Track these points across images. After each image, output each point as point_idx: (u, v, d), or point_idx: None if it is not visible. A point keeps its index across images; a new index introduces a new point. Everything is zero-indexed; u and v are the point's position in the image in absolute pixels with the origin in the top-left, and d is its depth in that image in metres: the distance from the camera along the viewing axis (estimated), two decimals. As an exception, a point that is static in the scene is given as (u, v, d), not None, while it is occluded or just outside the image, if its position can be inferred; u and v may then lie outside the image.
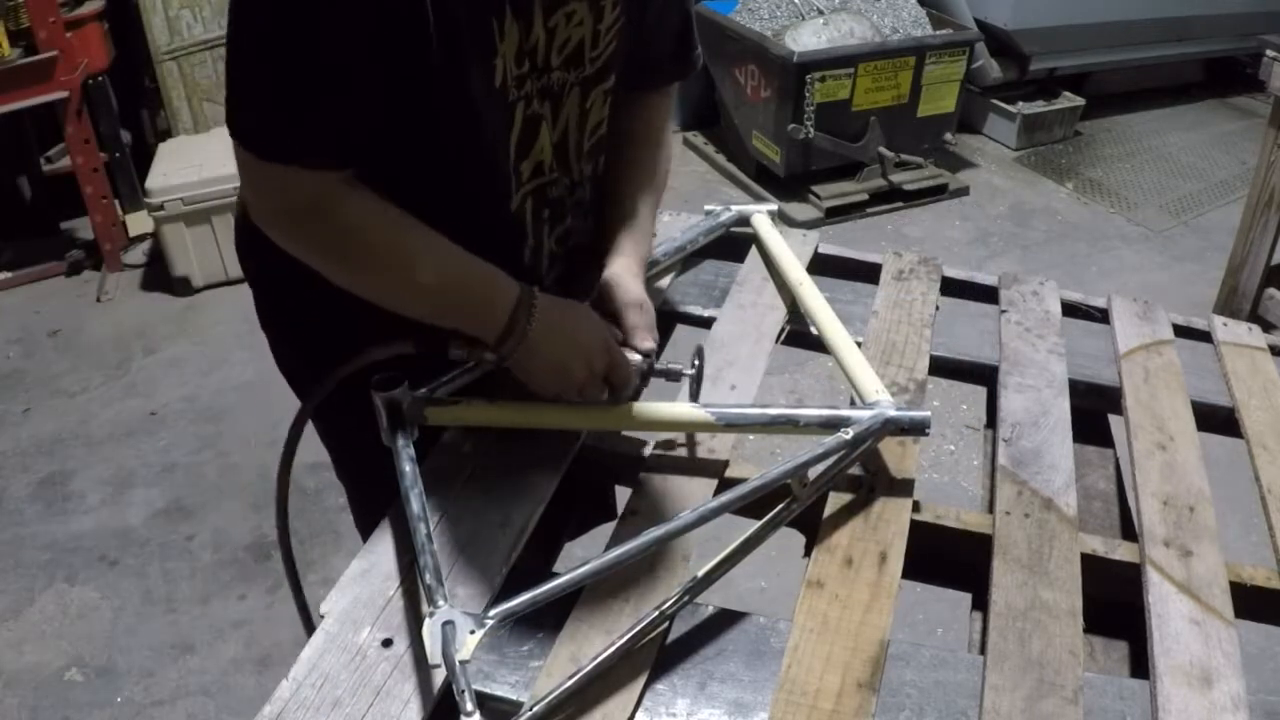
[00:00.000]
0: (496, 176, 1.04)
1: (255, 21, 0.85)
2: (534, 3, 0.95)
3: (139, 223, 3.55)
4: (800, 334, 1.31)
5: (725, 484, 1.06)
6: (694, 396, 1.10)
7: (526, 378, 1.02)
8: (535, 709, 0.79)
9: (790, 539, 1.06)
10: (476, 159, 1.02)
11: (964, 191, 4.13)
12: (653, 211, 1.22)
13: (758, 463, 1.08)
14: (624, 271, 1.12)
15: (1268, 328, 2.28)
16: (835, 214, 3.88)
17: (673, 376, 1.09)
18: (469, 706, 0.74)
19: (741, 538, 0.96)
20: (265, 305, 1.20)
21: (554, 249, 1.16)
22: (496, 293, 0.98)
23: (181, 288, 3.34)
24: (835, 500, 1.03)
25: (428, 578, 0.84)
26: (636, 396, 1.07)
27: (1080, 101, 4.68)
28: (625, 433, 1.12)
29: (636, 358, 1.06)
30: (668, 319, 1.38)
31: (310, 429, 1.32)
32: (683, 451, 1.09)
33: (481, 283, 0.98)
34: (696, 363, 1.10)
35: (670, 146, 1.27)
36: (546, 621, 0.88)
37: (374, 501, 1.04)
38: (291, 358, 1.23)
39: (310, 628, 1.03)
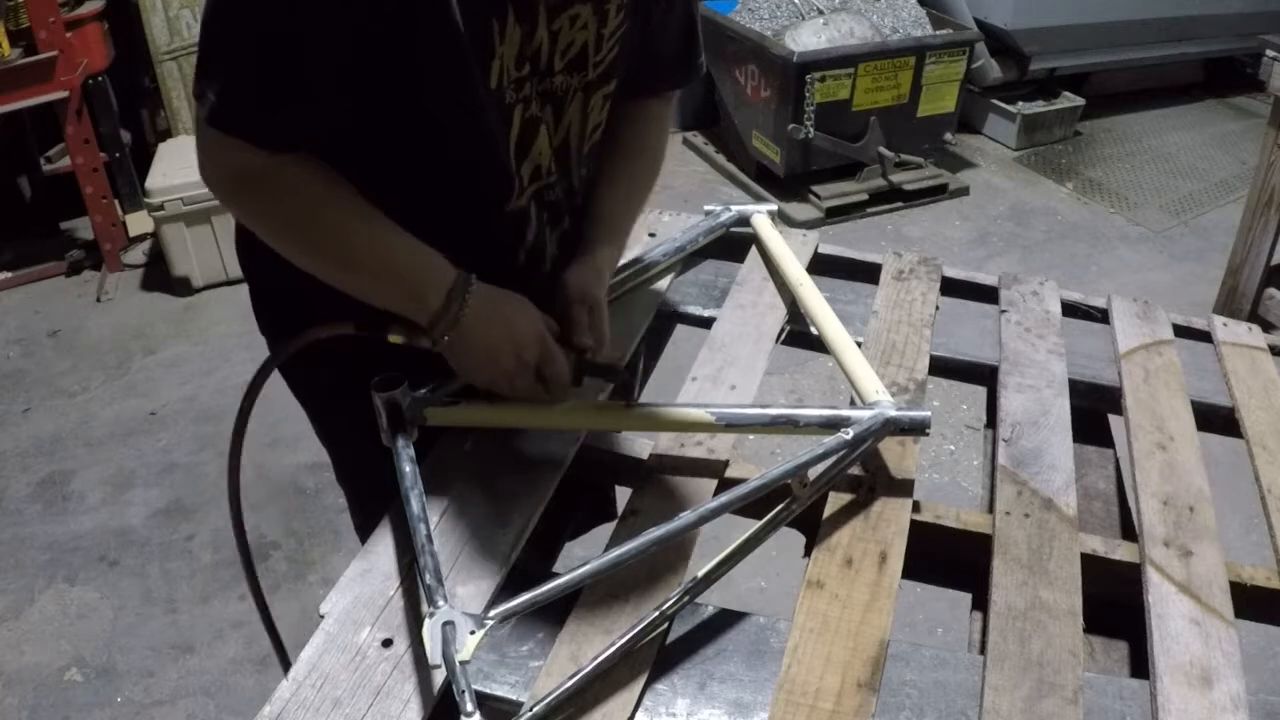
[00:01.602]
0: (496, 178, 1.04)
1: None
2: (538, 5, 0.95)
3: (139, 223, 3.55)
4: (800, 334, 1.31)
5: (725, 484, 1.06)
6: (626, 395, 1.07)
7: (458, 365, 1.03)
8: (535, 709, 0.79)
9: (790, 539, 1.06)
10: (474, 160, 1.02)
11: (964, 191, 4.13)
12: (634, 219, 1.22)
13: (758, 463, 1.08)
14: (585, 269, 1.11)
15: (1268, 328, 2.28)
16: (835, 214, 3.88)
17: (609, 375, 1.09)
18: (469, 707, 0.74)
19: (741, 538, 0.96)
20: (263, 306, 1.20)
21: (554, 252, 1.15)
22: (432, 275, 0.99)
23: (181, 288, 3.34)
24: (835, 500, 1.03)
25: (428, 578, 0.84)
26: (568, 393, 1.06)
27: (1080, 101, 4.68)
28: (625, 433, 1.12)
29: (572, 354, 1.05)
30: (668, 319, 1.38)
31: (307, 431, 1.33)
32: (683, 451, 1.09)
33: (418, 265, 0.99)
34: (634, 363, 1.08)
35: (664, 149, 1.26)
36: (546, 621, 0.88)
37: (373, 503, 1.04)
38: (289, 359, 1.23)
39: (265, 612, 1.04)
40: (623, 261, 1.28)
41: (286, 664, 0.92)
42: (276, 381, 1.25)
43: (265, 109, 0.89)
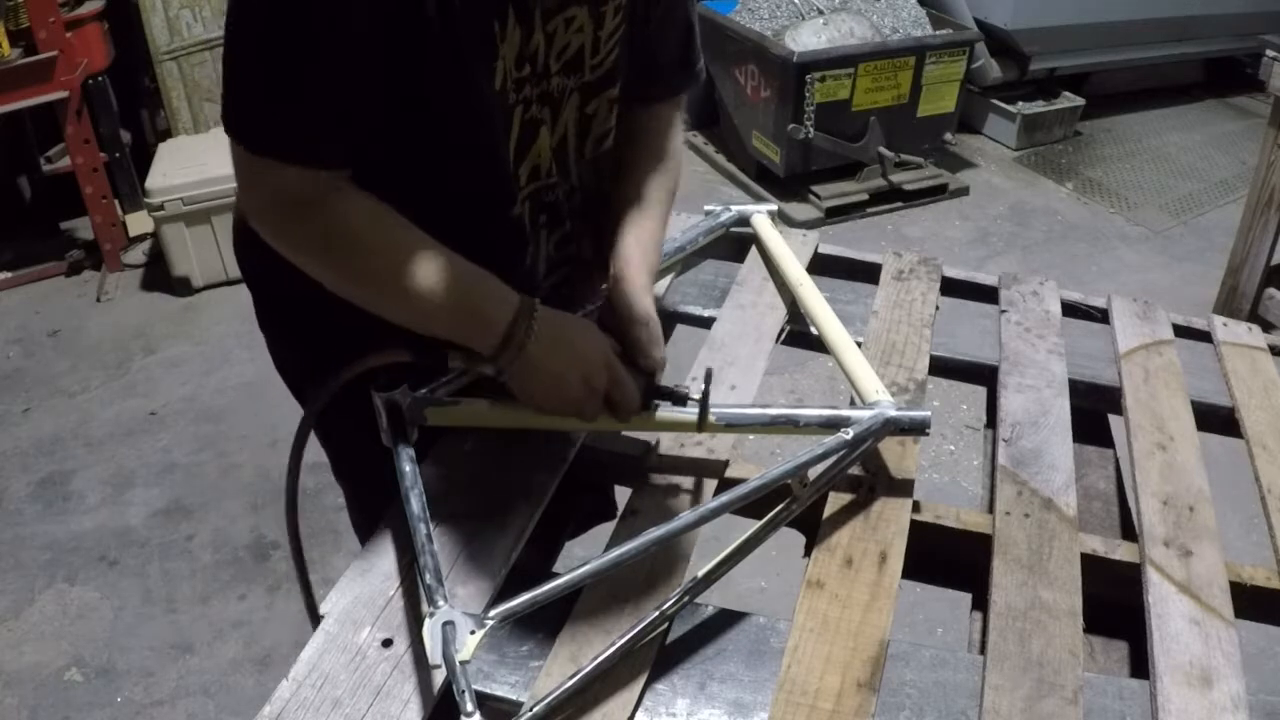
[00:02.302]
0: (497, 180, 1.03)
1: (253, 15, 0.85)
2: (534, 8, 0.94)
3: (139, 223, 3.55)
4: (800, 334, 1.31)
5: (725, 484, 1.06)
6: (700, 422, 1.04)
7: (523, 393, 0.99)
8: (535, 709, 0.79)
9: (790, 539, 1.06)
10: (477, 161, 1.01)
11: (964, 191, 4.13)
12: (663, 223, 1.19)
13: (758, 463, 1.08)
14: (631, 284, 1.08)
15: (1268, 328, 2.28)
16: (835, 214, 3.87)
17: (678, 399, 1.04)
18: (469, 707, 0.74)
19: (741, 538, 0.96)
20: (263, 306, 1.20)
21: (552, 254, 1.15)
22: (493, 303, 0.95)
23: (181, 288, 3.34)
24: (835, 500, 1.03)
25: (428, 578, 0.84)
26: (633, 417, 1.04)
27: (1080, 101, 4.68)
28: (625, 433, 1.12)
29: (641, 378, 1.02)
30: (668, 319, 1.38)
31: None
32: (683, 451, 1.09)
33: (478, 292, 0.95)
34: (704, 387, 1.03)
35: (681, 156, 1.24)
36: (546, 621, 0.88)
37: (372, 503, 1.04)
38: (290, 359, 1.23)
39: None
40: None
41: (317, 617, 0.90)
42: (276, 381, 1.25)
43: (306, 126, 0.87)
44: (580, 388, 0.98)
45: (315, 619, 0.89)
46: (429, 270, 0.93)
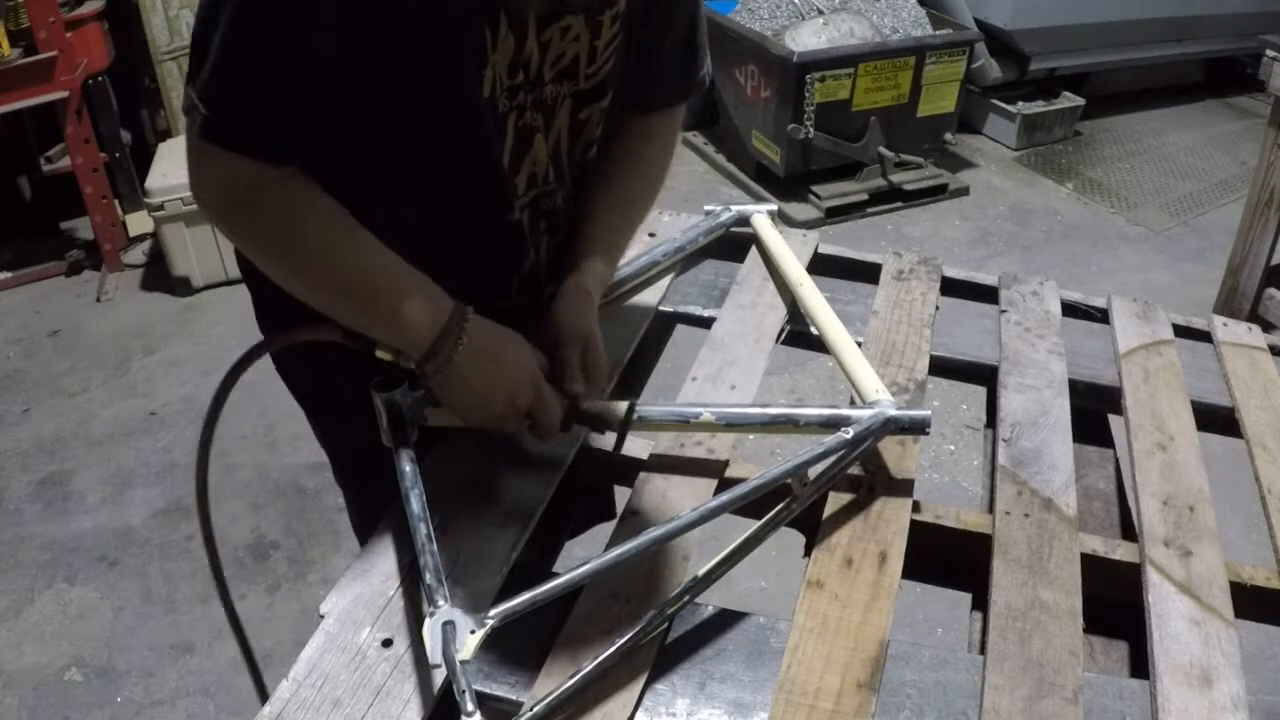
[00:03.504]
0: (493, 186, 1.03)
1: (222, 6, 0.84)
2: (529, 15, 0.94)
3: (139, 223, 3.55)
4: (800, 334, 1.31)
5: (725, 484, 1.05)
6: (616, 448, 1.05)
7: (446, 400, 0.99)
8: (535, 709, 0.79)
9: (790, 539, 1.06)
10: (471, 168, 1.01)
11: (964, 191, 4.13)
12: (628, 239, 1.19)
13: (758, 463, 1.08)
14: (576, 299, 1.07)
15: (1268, 328, 2.28)
16: (835, 214, 3.88)
17: (599, 426, 1.04)
18: (469, 706, 0.74)
19: (741, 538, 0.96)
20: (262, 306, 1.20)
21: (553, 259, 1.15)
22: (425, 310, 0.94)
23: (181, 288, 3.34)
24: (835, 500, 1.03)
25: (428, 577, 0.84)
26: (558, 434, 1.03)
27: (1080, 101, 4.68)
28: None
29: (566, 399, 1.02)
30: (668, 319, 1.38)
31: (307, 431, 1.33)
32: (683, 451, 1.09)
33: (411, 297, 0.94)
34: (624, 416, 1.03)
35: (664, 167, 1.22)
36: (547, 621, 0.88)
37: (372, 504, 1.04)
38: (288, 360, 1.23)
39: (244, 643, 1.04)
40: (621, 262, 1.26)
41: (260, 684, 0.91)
42: (276, 382, 1.25)
43: (258, 119, 0.87)
44: (504, 404, 0.98)
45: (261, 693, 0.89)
46: (361, 269, 0.93)
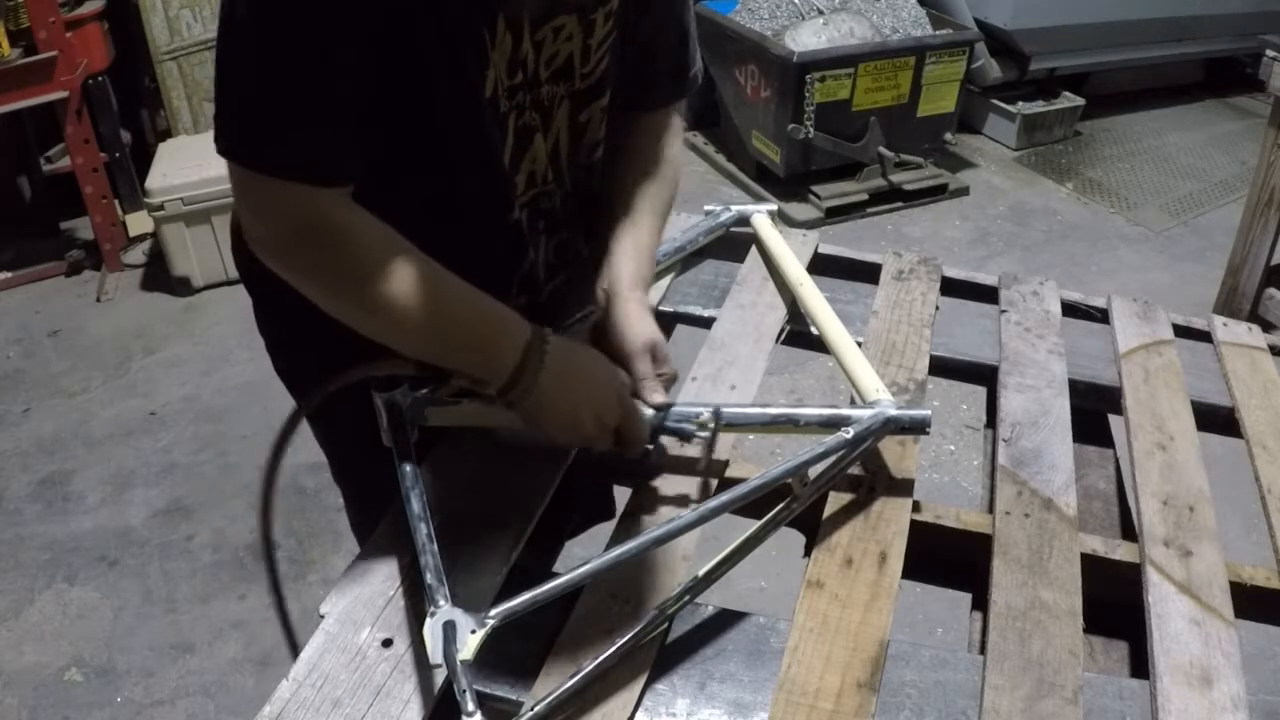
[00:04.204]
0: (495, 187, 1.03)
1: (243, 32, 0.83)
2: (523, 16, 0.93)
3: (139, 223, 3.55)
4: (800, 334, 1.31)
5: (725, 484, 1.06)
6: (706, 458, 1.04)
7: (534, 425, 0.97)
8: (535, 709, 0.79)
9: (790, 539, 1.06)
10: (473, 167, 1.01)
11: (964, 191, 4.13)
12: (657, 234, 1.17)
13: (758, 463, 1.08)
14: (631, 303, 1.05)
15: (1268, 328, 2.28)
16: (835, 214, 3.87)
17: (685, 437, 1.03)
18: (470, 706, 0.74)
19: (741, 538, 0.96)
20: (262, 310, 1.20)
21: (551, 259, 1.15)
22: (504, 336, 0.92)
23: (181, 288, 3.34)
24: (835, 500, 1.03)
25: (429, 577, 0.84)
26: (647, 454, 1.04)
27: (1080, 101, 4.68)
28: None
29: (649, 412, 1.01)
30: (668, 319, 1.38)
31: (307, 431, 1.32)
32: (683, 451, 1.09)
33: (488, 324, 0.92)
34: (712, 426, 1.02)
35: (678, 163, 1.22)
36: (547, 621, 0.88)
37: (372, 504, 1.04)
38: (289, 362, 1.23)
39: (290, 639, 1.03)
40: None
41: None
42: (276, 382, 1.25)
43: (303, 142, 0.85)
44: (593, 424, 0.97)
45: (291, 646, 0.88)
46: (439, 303, 0.90)
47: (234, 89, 0.86)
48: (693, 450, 1.09)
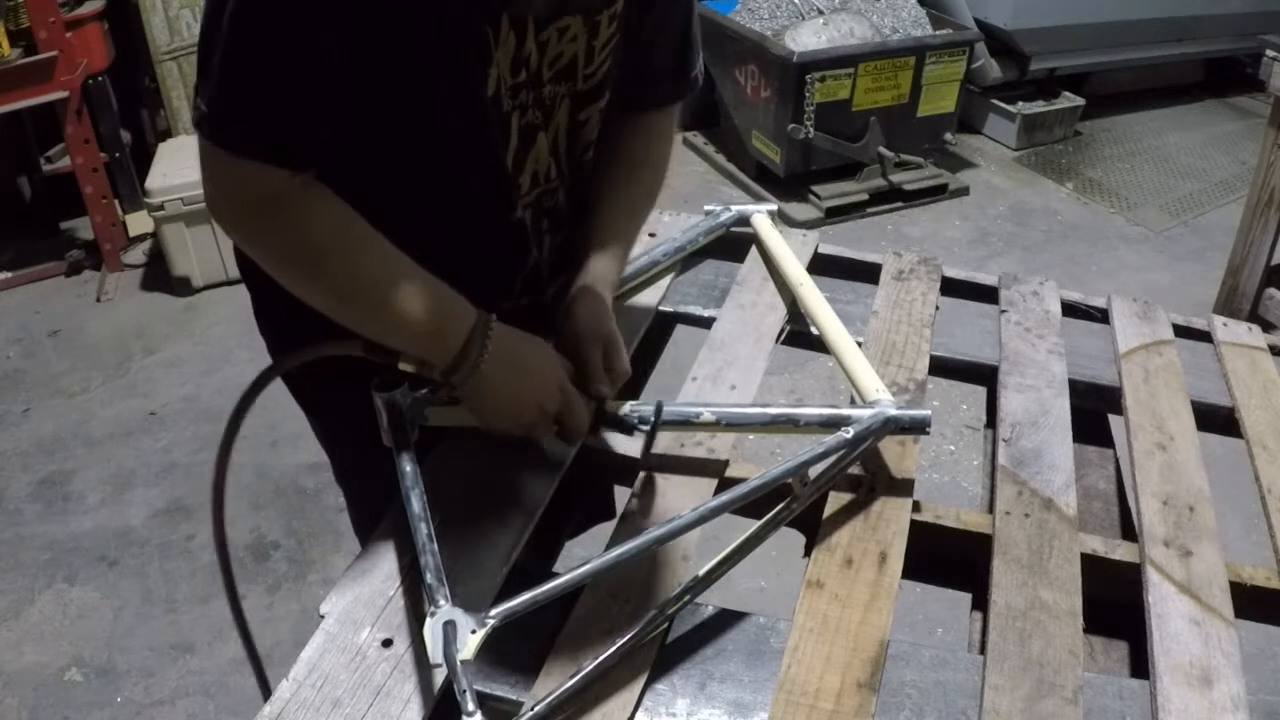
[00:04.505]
0: (498, 186, 1.03)
1: (227, 12, 0.83)
2: (528, 16, 0.94)
3: (139, 223, 3.55)
4: (800, 334, 1.31)
5: (725, 484, 1.05)
6: (645, 451, 1.05)
7: (475, 410, 0.99)
8: (535, 709, 0.79)
9: (790, 539, 1.06)
10: (476, 169, 1.01)
11: (964, 191, 4.13)
12: (635, 236, 1.19)
13: (758, 462, 1.08)
14: (591, 298, 1.07)
15: (1268, 328, 2.28)
16: (835, 214, 3.88)
17: (627, 429, 1.04)
18: (470, 706, 0.74)
19: (741, 538, 0.96)
20: (262, 308, 1.20)
21: (554, 259, 1.15)
22: (450, 320, 0.94)
23: (181, 288, 3.34)
24: (835, 500, 1.03)
25: (429, 577, 0.84)
26: (581, 439, 1.04)
27: (1080, 101, 4.68)
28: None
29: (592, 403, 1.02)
30: (668, 319, 1.38)
31: (307, 431, 1.33)
32: (683, 451, 1.09)
33: (435, 306, 0.93)
34: (653, 419, 1.02)
35: (664, 165, 1.22)
36: (546, 621, 0.88)
37: (372, 504, 1.04)
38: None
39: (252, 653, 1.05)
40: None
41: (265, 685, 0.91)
42: (276, 381, 1.25)
43: (271, 124, 0.86)
44: (533, 410, 0.98)
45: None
46: (385, 278, 0.92)
47: (208, 61, 0.86)
48: (694, 450, 1.09)
